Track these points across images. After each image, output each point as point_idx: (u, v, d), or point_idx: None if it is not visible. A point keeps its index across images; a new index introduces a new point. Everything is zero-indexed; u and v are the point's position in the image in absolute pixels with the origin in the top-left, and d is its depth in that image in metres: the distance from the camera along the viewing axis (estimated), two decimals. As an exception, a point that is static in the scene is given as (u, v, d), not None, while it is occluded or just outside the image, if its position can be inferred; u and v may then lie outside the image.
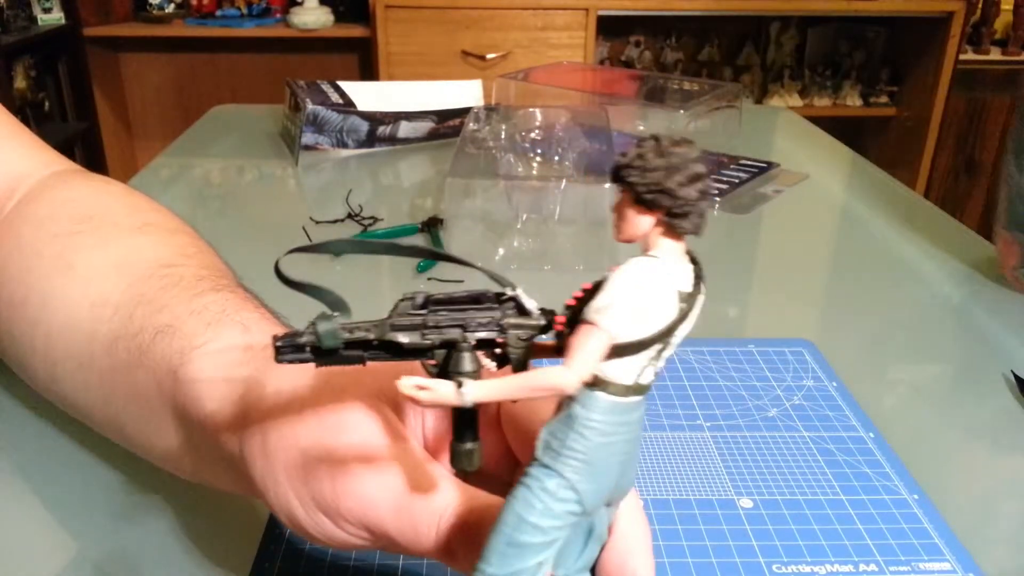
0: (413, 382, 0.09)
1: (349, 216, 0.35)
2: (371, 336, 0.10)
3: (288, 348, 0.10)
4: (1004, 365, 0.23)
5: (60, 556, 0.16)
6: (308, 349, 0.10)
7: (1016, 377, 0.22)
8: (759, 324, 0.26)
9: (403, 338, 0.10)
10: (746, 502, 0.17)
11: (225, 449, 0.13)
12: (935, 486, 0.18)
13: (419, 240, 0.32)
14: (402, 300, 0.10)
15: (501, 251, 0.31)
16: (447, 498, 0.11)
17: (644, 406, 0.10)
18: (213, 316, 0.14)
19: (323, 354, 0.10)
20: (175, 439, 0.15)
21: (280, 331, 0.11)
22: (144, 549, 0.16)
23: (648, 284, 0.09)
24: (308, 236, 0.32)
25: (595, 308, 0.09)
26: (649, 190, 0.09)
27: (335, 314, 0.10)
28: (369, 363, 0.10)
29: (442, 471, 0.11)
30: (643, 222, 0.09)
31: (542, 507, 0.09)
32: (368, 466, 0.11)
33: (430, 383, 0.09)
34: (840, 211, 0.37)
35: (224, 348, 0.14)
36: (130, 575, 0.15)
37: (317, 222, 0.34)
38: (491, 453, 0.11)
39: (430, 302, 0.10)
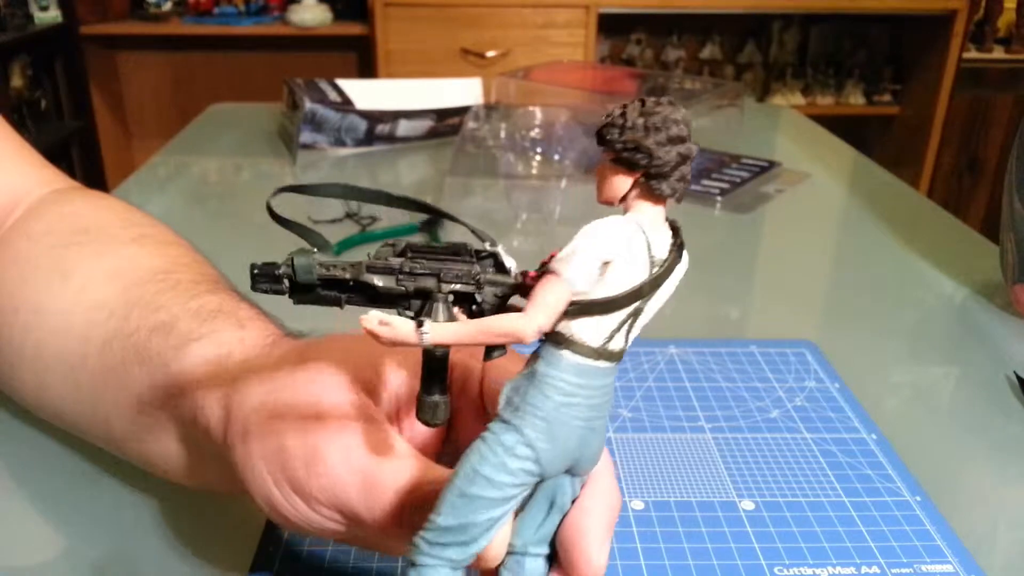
0: (377, 317, 0.09)
1: (347, 215, 0.34)
2: (347, 276, 0.10)
3: (264, 277, 0.10)
4: (1006, 366, 0.23)
5: (56, 557, 0.16)
6: (285, 281, 0.10)
7: (1018, 378, 0.22)
8: (761, 325, 0.26)
9: (378, 281, 0.10)
10: (748, 504, 0.17)
11: (213, 440, 0.13)
12: (937, 487, 0.18)
13: (419, 240, 0.32)
14: (383, 246, 0.10)
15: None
16: (410, 472, 0.11)
17: (613, 375, 0.09)
18: (209, 313, 0.15)
19: (298, 289, 0.10)
20: (168, 439, 0.14)
21: (275, 330, 0.11)
22: (142, 550, 0.16)
23: (614, 240, 0.09)
24: (307, 235, 0.32)
25: (558, 258, 0.09)
26: (626, 148, 0.09)
27: (314, 250, 0.10)
28: (345, 348, 0.10)
29: (410, 449, 0.11)
30: (621, 183, 0.09)
31: (497, 461, 0.09)
32: (338, 447, 0.11)
33: (391, 319, 0.09)
34: (842, 211, 0.37)
35: (219, 342, 0.14)
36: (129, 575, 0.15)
37: (315, 221, 0.34)
38: (474, 432, 0.11)
39: (409, 249, 0.10)
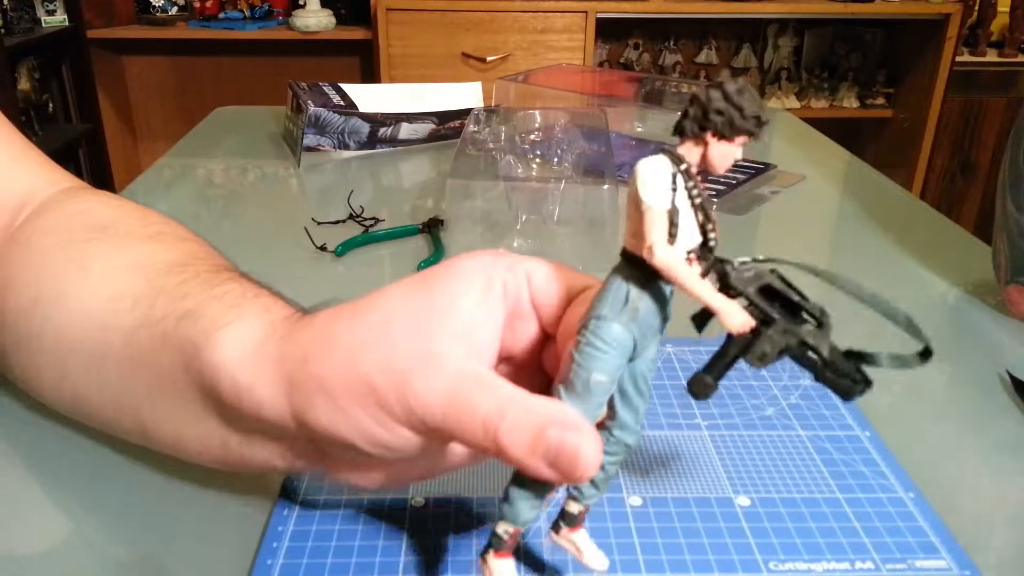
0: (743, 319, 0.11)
1: (350, 217, 0.35)
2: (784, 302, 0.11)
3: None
4: (998, 365, 0.23)
5: (53, 558, 0.16)
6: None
7: (1011, 377, 0.22)
8: (757, 324, 0.27)
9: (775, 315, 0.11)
10: (743, 500, 0.17)
11: (265, 417, 0.13)
12: (931, 484, 0.18)
13: (420, 240, 0.33)
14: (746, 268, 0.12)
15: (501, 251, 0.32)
16: (491, 396, 0.12)
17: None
18: (234, 300, 0.15)
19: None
20: (203, 421, 0.15)
21: (296, 310, 0.13)
22: (142, 550, 0.16)
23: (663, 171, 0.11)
24: (310, 236, 0.32)
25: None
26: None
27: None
28: (401, 297, 0.12)
29: (490, 375, 0.12)
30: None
31: (604, 348, 0.11)
32: (421, 377, 0.12)
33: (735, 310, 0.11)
34: (836, 212, 0.37)
35: (249, 326, 0.14)
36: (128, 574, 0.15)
37: (319, 223, 0.34)
38: (528, 339, 0.13)
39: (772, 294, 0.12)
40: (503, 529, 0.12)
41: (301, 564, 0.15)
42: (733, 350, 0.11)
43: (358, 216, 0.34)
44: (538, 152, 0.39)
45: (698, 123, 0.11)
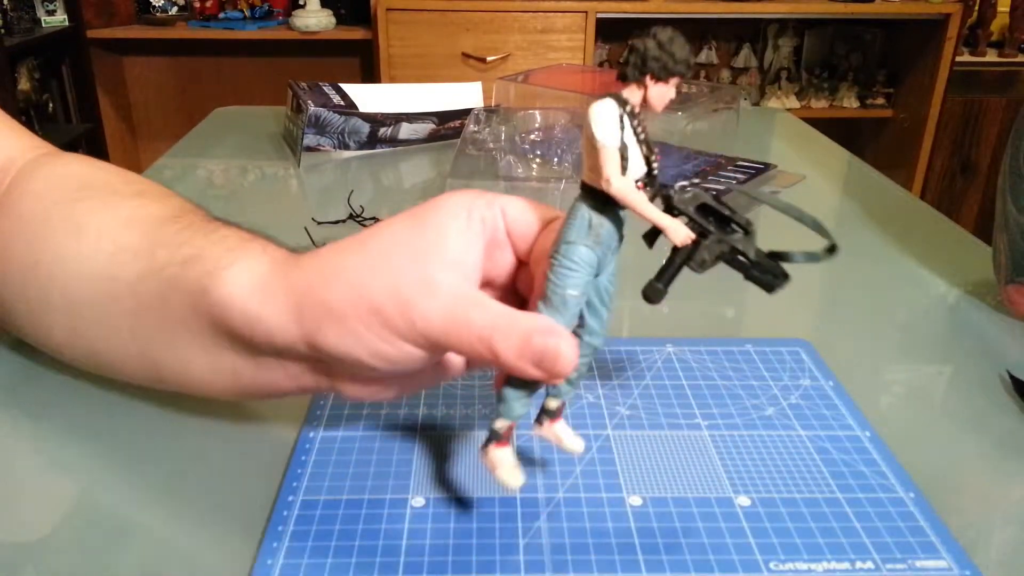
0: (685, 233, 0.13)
1: (351, 217, 0.35)
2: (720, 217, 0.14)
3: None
4: (998, 365, 0.23)
5: (48, 557, 0.16)
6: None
7: (1011, 376, 0.22)
8: (756, 324, 0.26)
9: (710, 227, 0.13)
10: (744, 500, 0.17)
11: (276, 343, 0.15)
12: (931, 484, 0.18)
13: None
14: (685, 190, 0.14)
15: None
16: (486, 310, 0.14)
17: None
18: (234, 243, 0.16)
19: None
20: (213, 355, 0.16)
21: (290, 250, 0.16)
22: (142, 550, 0.16)
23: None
24: (310, 236, 0.32)
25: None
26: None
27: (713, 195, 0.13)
28: (399, 227, 0.15)
29: (480, 294, 0.15)
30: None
31: (575, 266, 0.13)
32: (422, 295, 0.14)
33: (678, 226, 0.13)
34: (836, 212, 0.37)
35: (251, 264, 0.16)
36: (127, 574, 0.15)
37: (319, 223, 0.34)
38: (504, 264, 0.15)
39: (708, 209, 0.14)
40: (500, 425, 0.14)
41: (301, 564, 0.15)
42: (678, 259, 0.14)
43: (358, 216, 0.35)
44: (538, 152, 0.39)
45: (638, 69, 0.13)
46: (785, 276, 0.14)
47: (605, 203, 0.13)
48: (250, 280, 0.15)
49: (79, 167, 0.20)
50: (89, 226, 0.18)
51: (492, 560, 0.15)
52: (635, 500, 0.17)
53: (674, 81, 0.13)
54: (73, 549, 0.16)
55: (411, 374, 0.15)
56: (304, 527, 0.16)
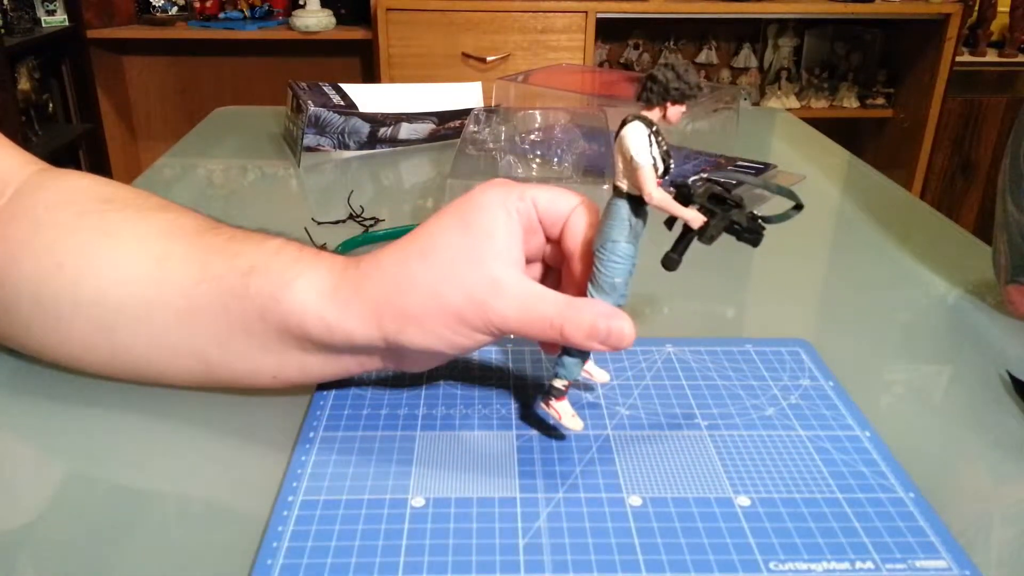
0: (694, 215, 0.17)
1: (351, 217, 0.35)
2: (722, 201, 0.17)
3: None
4: (998, 365, 0.23)
5: (44, 557, 0.16)
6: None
7: (1011, 376, 0.22)
8: (756, 324, 0.26)
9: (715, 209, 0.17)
10: (744, 500, 0.17)
11: (356, 343, 0.18)
12: (931, 484, 0.18)
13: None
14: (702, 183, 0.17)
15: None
16: (554, 304, 0.17)
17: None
18: (292, 256, 0.18)
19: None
20: (278, 354, 0.18)
21: (344, 258, 0.18)
22: (141, 549, 0.16)
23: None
24: (310, 236, 0.32)
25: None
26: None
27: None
28: (457, 244, 0.17)
29: (543, 288, 0.17)
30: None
31: (621, 257, 0.17)
32: (495, 296, 0.17)
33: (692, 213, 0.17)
34: (836, 212, 0.37)
35: (316, 275, 0.18)
36: (128, 574, 0.15)
37: (319, 223, 0.34)
38: (536, 246, 0.18)
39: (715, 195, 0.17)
40: (560, 383, 0.18)
41: (301, 564, 0.15)
42: (691, 235, 0.17)
43: (358, 216, 0.35)
44: (538, 152, 0.39)
45: (660, 96, 0.16)
46: (764, 230, 0.17)
47: (640, 205, 0.17)
48: (320, 291, 0.17)
49: (90, 181, 0.21)
50: (124, 233, 0.19)
51: (492, 560, 0.15)
52: (635, 500, 0.17)
53: (687, 102, 0.16)
54: (70, 549, 0.16)
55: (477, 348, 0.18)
56: (304, 527, 0.16)
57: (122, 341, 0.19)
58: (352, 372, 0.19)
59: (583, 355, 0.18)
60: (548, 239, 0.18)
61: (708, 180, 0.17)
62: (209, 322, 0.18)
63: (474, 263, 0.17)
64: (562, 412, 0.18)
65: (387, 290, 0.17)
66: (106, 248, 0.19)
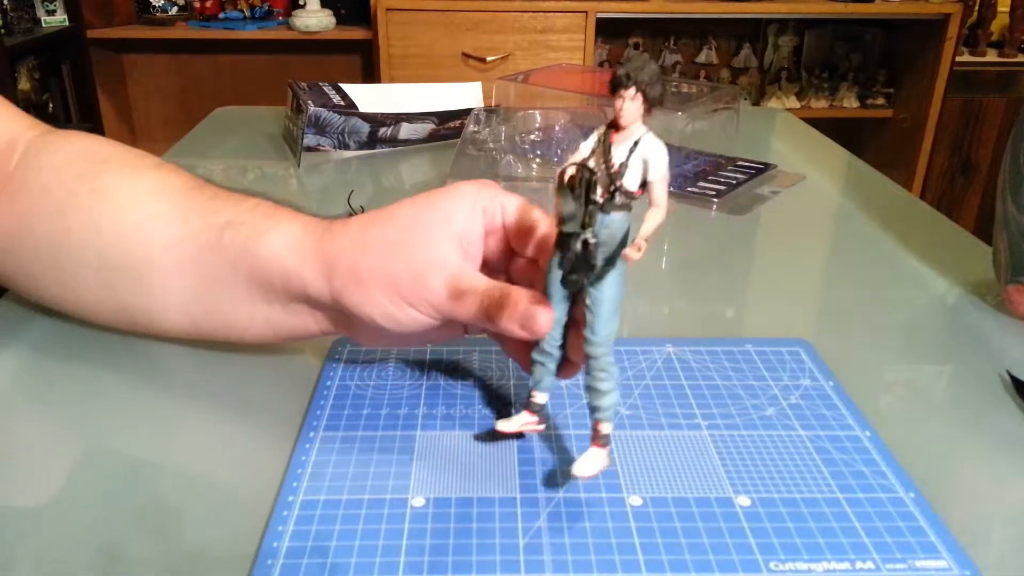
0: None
1: (351, 217, 0.35)
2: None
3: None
4: (998, 365, 0.23)
5: (41, 557, 0.16)
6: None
7: (1011, 376, 0.22)
8: (756, 324, 0.26)
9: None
10: (744, 500, 0.17)
11: (309, 294, 0.18)
12: (931, 484, 0.18)
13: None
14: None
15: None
16: (482, 283, 0.17)
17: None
18: (267, 211, 0.19)
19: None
20: (248, 305, 0.19)
21: (321, 219, 0.19)
22: (142, 547, 0.16)
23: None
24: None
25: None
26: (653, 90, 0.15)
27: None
28: (413, 215, 0.17)
29: (478, 273, 0.17)
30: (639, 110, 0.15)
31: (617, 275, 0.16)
32: (434, 269, 0.17)
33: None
34: (836, 212, 0.37)
35: (286, 229, 0.18)
36: (127, 573, 0.15)
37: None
38: (495, 250, 0.18)
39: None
40: (542, 397, 0.18)
41: (301, 564, 0.15)
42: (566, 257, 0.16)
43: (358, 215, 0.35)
44: (538, 152, 0.39)
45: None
46: (594, 269, 0.16)
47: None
48: (287, 242, 0.18)
49: (91, 142, 0.22)
50: (117, 195, 0.20)
51: (492, 560, 0.16)
52: (635, 500, 0.17)
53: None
54: (70, 549, 0.16)
55: (418, 333, 0.18)
56: (304, 527, 0.16)
57: (123, 298, 0.20)
58: (312, 333, 0.20)
59: (551, 362, 0.17)
60: (517, 253, 0.18)
61: (582, 166, 0.15)
62: (190, 277, 0.19)
63: (424, 239, 0.17)
64: (525, 422, 0.18)
65: (344, 246, 0.18)
66: (106, 212, 0.20)
